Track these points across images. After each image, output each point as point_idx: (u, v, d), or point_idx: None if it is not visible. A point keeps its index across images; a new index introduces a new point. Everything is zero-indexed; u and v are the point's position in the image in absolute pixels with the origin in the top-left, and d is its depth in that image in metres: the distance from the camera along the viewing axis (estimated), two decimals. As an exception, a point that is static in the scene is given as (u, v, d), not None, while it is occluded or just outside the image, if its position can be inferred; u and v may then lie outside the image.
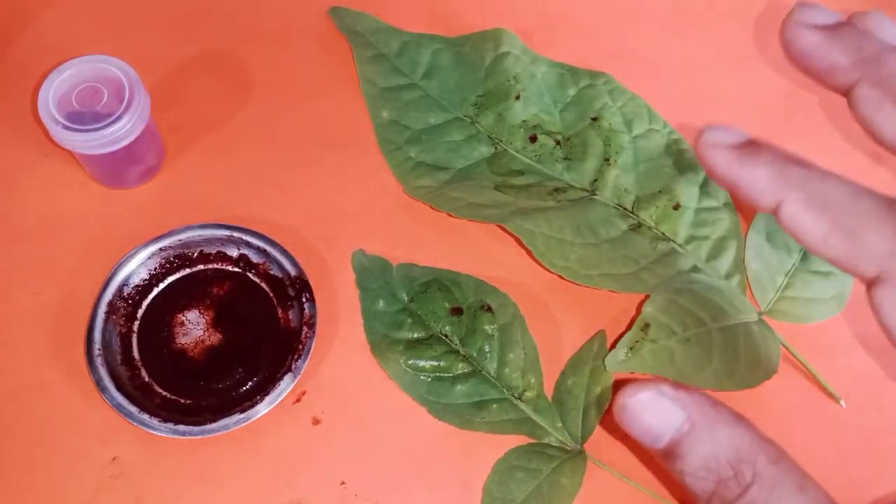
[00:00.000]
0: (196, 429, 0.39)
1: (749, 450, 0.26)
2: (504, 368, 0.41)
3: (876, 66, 0.25)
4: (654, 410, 0.27)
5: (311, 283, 0.42)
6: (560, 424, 0.40)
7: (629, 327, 0.41)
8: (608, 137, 0.45)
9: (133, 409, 0.39)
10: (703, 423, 0.27)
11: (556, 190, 0.44)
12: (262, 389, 0.40)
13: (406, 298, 0.43)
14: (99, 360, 0.40)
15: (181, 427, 0.39)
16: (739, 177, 0.26)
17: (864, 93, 0.26)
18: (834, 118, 0.49)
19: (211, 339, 0.42)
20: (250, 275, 0.43)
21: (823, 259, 0.25)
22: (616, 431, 0.41)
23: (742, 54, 0.51)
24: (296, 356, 0.40)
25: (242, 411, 0.39)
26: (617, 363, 0.40)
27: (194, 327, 0.42)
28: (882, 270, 0.24)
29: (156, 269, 0.43)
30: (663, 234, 0.43)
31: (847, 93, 0.26)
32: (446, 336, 0.42)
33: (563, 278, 0.42)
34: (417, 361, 0.41)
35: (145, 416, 0.39)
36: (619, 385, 0.42)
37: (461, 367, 0.41)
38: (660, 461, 0.28)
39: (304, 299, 0.41)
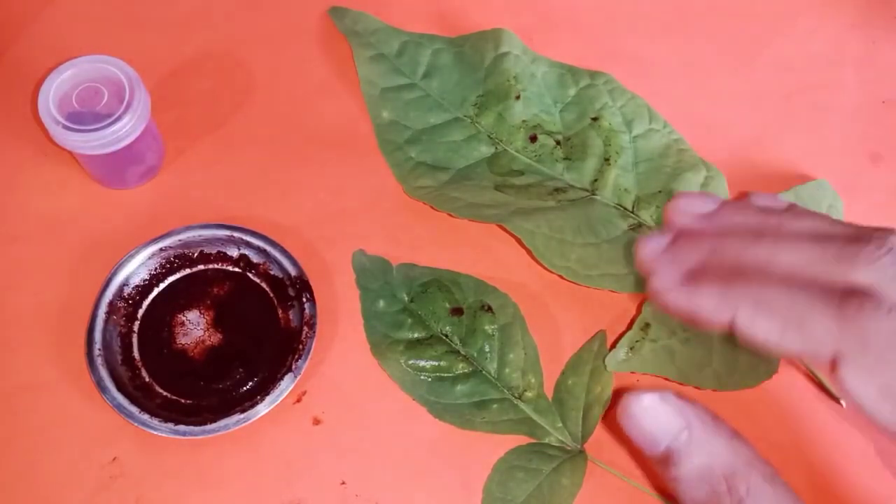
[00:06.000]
0: (196, 429, 0.39)
1: (745, 465, 0.27)
2: (504, 368, 0.41)
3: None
4: (655, 416, 0.28)
5: (312, 283, 0.42)
6: (560, 424, 0.40)
7: (629, 327, 0.42)
8: (608, 137, 0.45)
9: (133, 409, 0.39)
10: (702, 434, 0.27)
11: (557, 190, 0.44)
12: (263, 389, 0.40)
13: (406, 298, 0.43)
14: (99, 361, 0.40)
15: (181, 427, 0.39)
16: (693, 308, 0.29)
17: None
18: (834, 118, 0.49)
19: (211, 340, 0.42)
20: (250, 275, 0.43)
21: (783, 355, 0.28)
22: (616, 431, 0.41)
23: (742, 54, 0.51)
24: (296, 356, 0.40)
25: (243, 411, 0.39)
26: (617, 363, 0.40)
27: (195, 327, 0.42)
28: (836, 352, 0.26)
29: (156, 269, 0.43)
30: (663, 234, 0.43)
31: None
32: (446, 336, 0.42)
33: (563, 278, 0.42)
34: (418, 361, 0.41)
35: (146, 417, 0.39)
36: (620, 385, 0.42)
37: (461, 367, 0.41)
38: (655, 467, 0.28)
39: (304, 299, 0.41)
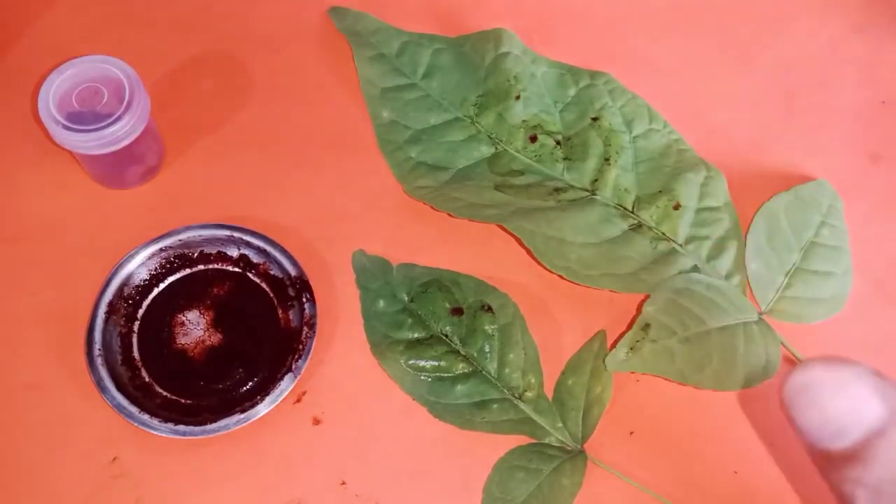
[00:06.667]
0: (196, 429, 0.39)
1: None
2: (504, 368, 0.41)
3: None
4: (847, 397, 0.20)
5: (312, 283, 0.42)
6: (560, 424, 0.40)
7: (629, 327, 0.41)
8: (608, 137, 0.45)
9: (133, 409, 0.39)
10: None
11: (557, 190, 0.44)
12: (263, 389, 0.40)
13: (406, 298, 0.43)
14: (99, 361, 0.40)
15: (181, 427, 0.39)
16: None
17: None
18: (834, 118, 0.49)
19: (211, 340, 0.42)
20: (250, 275, 0.43)
21: None
22: (616, 432, 0.41)
23: (742, 54, 0.51)
24: (296, 356, 0.40)
25: (243, 411, 0.39)
26: (617, 363, 0.40)
27: (195, 327, 0.42)
28: None
29: (156, 269, 0.43)
30: (663, 234, 0.43)
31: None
32: (447, 336, 0.42)
33: (563, 278, 0.42)
34: (418, 361, 0.41)
35: (146, 417, 0.39)
36: (620, 385, 0.42)
37: (461, 367, 0.41)
38: (822, 463, 0.21)
39: (304, 299, 0.41)
